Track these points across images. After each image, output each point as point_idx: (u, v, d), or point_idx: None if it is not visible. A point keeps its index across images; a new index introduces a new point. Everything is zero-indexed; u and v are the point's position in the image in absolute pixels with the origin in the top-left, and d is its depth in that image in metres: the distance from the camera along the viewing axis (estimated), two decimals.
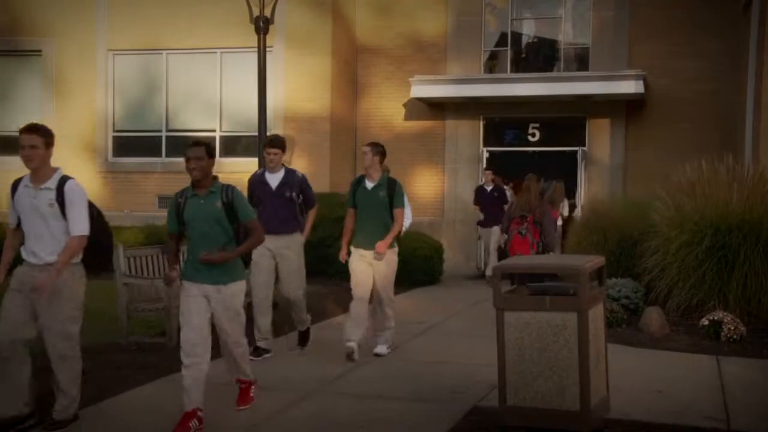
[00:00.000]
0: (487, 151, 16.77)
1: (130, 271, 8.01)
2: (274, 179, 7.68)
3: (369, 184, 7.66)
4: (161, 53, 16.94)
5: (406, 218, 9.39)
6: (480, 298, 12.13)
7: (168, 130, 17.07)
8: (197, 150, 5.56)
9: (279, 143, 7.74)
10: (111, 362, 7.38)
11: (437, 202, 17.23)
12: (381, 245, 7.50)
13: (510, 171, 17.77)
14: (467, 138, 16.83)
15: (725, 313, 8.27)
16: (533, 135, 16.64)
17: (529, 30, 17.02)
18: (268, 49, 16.14)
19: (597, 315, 4.96)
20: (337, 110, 16.50)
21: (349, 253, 7.83)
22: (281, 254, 7.67)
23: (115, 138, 17.31)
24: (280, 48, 16.14)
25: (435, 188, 16.97)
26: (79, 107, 17.18)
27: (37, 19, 17.29)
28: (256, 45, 15.89)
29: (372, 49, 17.23)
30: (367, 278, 7.66)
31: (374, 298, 7.80)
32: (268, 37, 16.02)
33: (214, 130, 16.84)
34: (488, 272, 13.42)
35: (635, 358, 7.67)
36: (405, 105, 17.06)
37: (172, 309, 7.72)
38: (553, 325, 4.78)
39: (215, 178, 5.70)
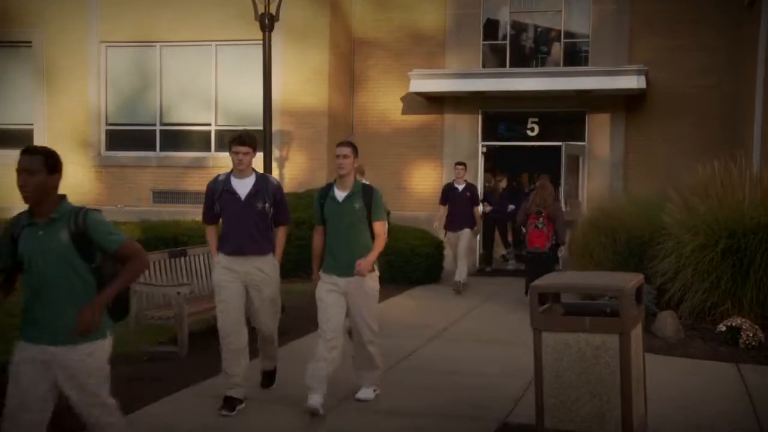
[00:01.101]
0: (484, 145, 16.60)
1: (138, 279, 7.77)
2: (242, 186, 6.21)
3: (339, 194, 6.18)
4: (155, 45, 16.65)
5: None
6: (483, 299, 12.04)
7: (162, 124, 16.80)
8: (29, 160, 3.93)
9: (250, 140, 6.23)
10: (122, 375, 7.13)
11: (435, 197, 16.86)
12: (363, 264, 6.04)
13: (508, 166, 17.71)
14: (466, 132, 16.65)
15: (743, 319, 8.17)
16: (532, 130, 16.48)
17: (528, 23, 16.83)
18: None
19: (637, 335, 4.82)
20: (335, 104, 16.29)
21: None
22: (253, 280, 6.23)
23: (108, 131, 17.03)
24: (278, 41, 15.75)
25: (433, 183, 16.76)
26: (71, 100, 16.89)
27: (27, 8, 16.96)
28: (252, 38, 15.74)
29: (370, 42, 17.00)
30: (339, 312, 6.17)
31: (354, 336, 6.38)
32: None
33: (209, 124, 16.60)
34: (458, 278, 12.42)
35: (653, 366, 7.45)
36: (403, 99, 16.84)
37: (183, 316, 7.53)
38: (593, 347, 4.64)
39: (62, 197, 4.11)
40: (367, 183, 6.55)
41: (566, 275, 5.88)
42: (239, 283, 6.21)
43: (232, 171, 6.27)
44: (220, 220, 6.38)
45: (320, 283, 6.25)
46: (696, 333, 8.61)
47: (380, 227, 6.24)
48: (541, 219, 10.94)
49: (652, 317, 8.84)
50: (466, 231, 12.76)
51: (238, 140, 6.17)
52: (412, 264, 13.36)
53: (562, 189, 15.99)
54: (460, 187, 12.98)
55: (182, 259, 8.67)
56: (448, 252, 13.48)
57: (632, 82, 14.90)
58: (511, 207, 15.45)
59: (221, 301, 6.20)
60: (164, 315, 7.81)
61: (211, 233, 6.42)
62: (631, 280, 4.77)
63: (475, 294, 12.46)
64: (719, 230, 8.80)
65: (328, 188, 6.29)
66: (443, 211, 13.12)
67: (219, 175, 6.33)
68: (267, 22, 9.85)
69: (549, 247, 10.92)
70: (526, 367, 7.46)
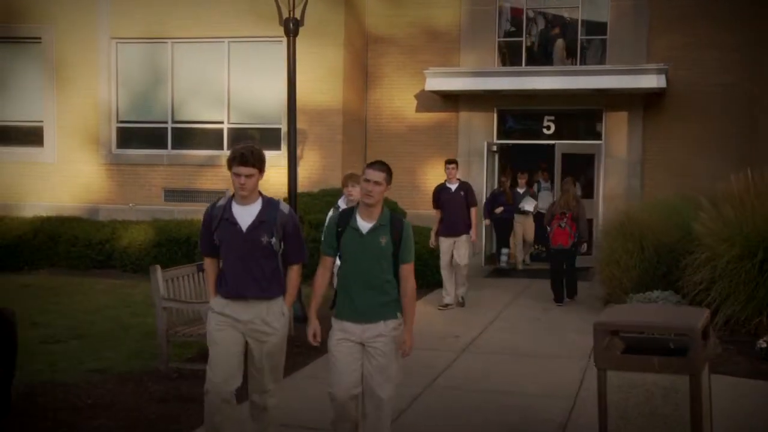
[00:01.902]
0: (495, 144, 16.41)
1: (168, 294, 7.61)
2: (245, 215, 5.09)
3: (364, 225, 5.03)
4: (166, 42, 16.43)
5: None
6: (503, 304, 11.90)
7: (174, 122, 16.60)
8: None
9: (255, 159, 5.03)
10: (153, 394, 7.01)
11: None
12: (409, 342, 5.08)
13: (524, 164, 17.50)
14: (481, 130, 16.48)
15: None
16: (548, 128, 16.31)
17: (544, 20, 16.62)
18: (277, 39, 15.77)
19: (706, 374, 4.67)
20: (349, 102, 16.09)
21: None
22: (253, 331, 5.10)
23: (119, 129, 16.83)
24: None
25: None
26: (82, 97, 16.68)
27: (36, 4, 16.75)
28: (265, 35, 15.70)
29: (383, 39, 16.79)
30: (354, 370, 5.03)
31: (365, 398, 5.06)
32: (278, 27, 15.66)
33: (221, 122, 16.40)
34: (459, 292, 11.46)
35: None
36: (417, 96, 16.66)
37: None
38: (661, 388, 4.48)
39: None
40: (396, 213, 5.36)
41: (628, 310, 5.71)
42: (237, 332, 5.09)
43: (233, 195, 5.16)
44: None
45: (332, 333, 5.09)
46: (732, 348, 8.46)
47: (409, 271, 5.08)
48: (565, 219, 11.75)
49: None
50: (463, 237, 11.31)
51: (240, 159, 4.98)
52: (430, 266, 13.17)
53: (556, 191, 15.88)
54: (453, 186, 11.49)
55: None
56: (444, 264, 11.49)
57: (652, 81, 14.72)
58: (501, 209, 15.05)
59: (213, 342, 5.12)
60: (194, 332, 7.62)
61: (210, 268, 5.27)
62: (699, 317, 4.61)
63: (494, 299, 12.32)
64: (757, 241, 8.63)
65: (349, 215, 5.12)
66: (437, 217, 11.62)
67: (219, 198, 5.29)
68: (292, 27, 9.61)
69: (571, 245, 11.80)
70: (565, 386, 7.36)
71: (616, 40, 15.81)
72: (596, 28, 16.17)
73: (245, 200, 5.10)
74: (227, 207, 5.12)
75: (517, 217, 15.17)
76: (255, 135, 16.13)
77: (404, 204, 15.59)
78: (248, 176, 5.00)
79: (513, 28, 16.58)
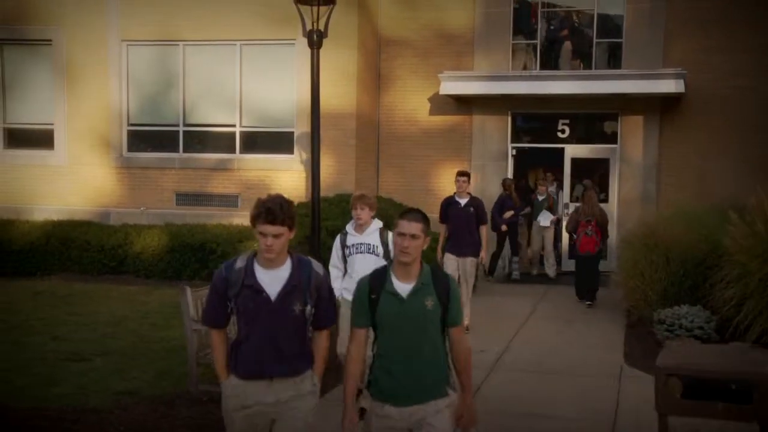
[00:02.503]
0: (514, 147, 16.32)
1: (197, 315, 7.51)
2: (272, 280, 4.18)
3: (402, 287, 4.18)
4: (177, 44, 16.26)
5: None
6: (524, 315, 11.83)
7: (185, 125, 16.45)
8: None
9: (285, 216, 4.11)
10: (186, 420, 6.92)
11: None
12: (470, 415, 4.34)
13: (539, 168, 17.42)
14: (495, 133, 16.37)
15: None
16: (563, 131, 16.20)
17: (559, 23, 16.48)
18: (290, 42, 15.72)
19: None
20: (362, 105, 15.96)
21: (361, 412, 4.25)
22: (280, 413, 4.26)
23: (129, 132, 16.67)
24: (304, 41, 15.35)
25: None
26: (92, 99, 16.53)
27: (47, 6, 16.57)
28: (277, 37, 15.59)
29: (396, 41, 16.65)
30: None
31: None
32: (290, 30, 15.54)
33: (233, 125, 16.25)
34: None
35: None
36: (430, 99, 16.53)
37: None
38: None
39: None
40: (437, 267, 4.71)
41: (688, 351, 5.61)
42: (261, 418, 4.27)
43: (255, 255, 4.23)
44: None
45: (366, 418, 4.24)
46: None
47: (461, 335, 4.31)
48: (590, 227, 12.31)
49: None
50: (471, 259, 10.51)
51: (267, 216, 4.06)
52: None
53: (564, 196, 15.82)
54: (463, 201, 10.61)
55: None
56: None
57: (671, 86, 14.59)
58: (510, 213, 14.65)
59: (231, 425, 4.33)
60: None
61: (219, 343, 4.32)
62: (766, 362, 4.52)
63: (513, 308, 12.25)
64: None
65: (381, 277, 4.24)
66: (444, 233, 10.86)
67: (236, 258, 4.28)
68: (315, 39, 9.47)
69: (597, 251, 12.45)
70: (604, 411, 7.27)
71: (632, 43, 15.68)
72: (612, 31, 16.03)
73: (272, 263, 4.17)
74: (248, 271, 4.17)
75: (535, 227, 15.03)
76: (267, 138, 16.04)
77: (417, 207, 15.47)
78: (276, 236, 4.07)
79: (527, 31, 16.43)
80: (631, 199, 15.73)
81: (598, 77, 15.24)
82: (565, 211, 15.52)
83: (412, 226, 4.14)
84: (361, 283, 4.28)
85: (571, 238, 13.40)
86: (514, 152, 16.30)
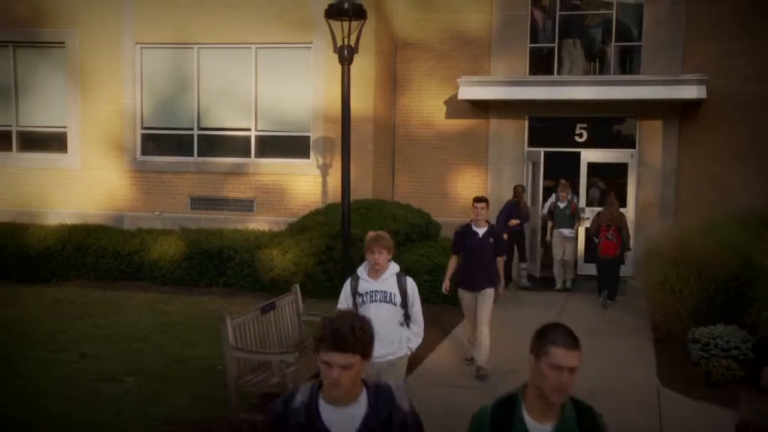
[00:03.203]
0: (534, 152, 16.17)
1: (237, 343, 7.42)
2: (343, 421, 3.15)
3: (540, 430, 3.25)
4: (192, 47, 16.12)
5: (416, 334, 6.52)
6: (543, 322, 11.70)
7: (200, 128, 16.31)
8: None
9: (359, 341, 3.06)
10: None
11: None
12: None
13: (555, 173, 17.28)
14: (512, 138, 16.25)
15: None
16: (581, 135, 16.08)
17: (577, 26, 16.34)
18: (306, 45, 15.58)
19: None
20: (379, 109, 15.83)
21: None
22: None
23: (143, 135, 16.54)
24: (320, 45, 15.36)
25: (477, 189, 16.30)
26: (106, 102, 16.39)
27: (60, 8, 16.41)
28: (293, 41, 15.47)
29: (412, 44, 16.51)
30: None
31: None
32: (306, 33, 15.43)
33: (249, 129, 16.12)
34: (480, 360, 9.35)
35: None
36: (446, 102, 16.41)
37: (288, 385, 7.14)
38: None
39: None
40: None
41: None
42: None
43: (320, 387, 3.20)
44: None
45: None
46: None
47: None
48: (611, 231, 13.12)
49: (757, 369, 8.55)
50: (489, 291, 9.39)
51: (334, 342, 3.04)
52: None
53: (580, 198, 15.71)
54: (481, 231, 9.39)
55: (271, 313, 8.28)
56: (468, 321, 9.89)
57: (692, 92, 14.47)
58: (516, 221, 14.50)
59: None
60: (264, 382, 7.43)
61: None
62: None
63: (537, 316, 12.10)
64: None
65: (507, 409, 3.28)
66: (454, 263, 9.58)
67: (294, 391, 3.26)
68: (346, 54, 9.36)
69: (618, 254, 13.19)
70: None
71: (651, 46, 15.55)
72: (631, 35, 15.90)
73: (341, 400, 3.15)
74: (311, 408, 3.16)
75: (557, 235, 14.86)
76: (283, 142, 15.92)
77: (434, 212, 15.40)
78: (345, 367, 3.04)
79: (545, 35, 16.30)
80: (649, 205, 15.65)
81: (618, 83, 15.12)
82: (582, 215, 15.41)
83: (573, 356, 3.26)
84: (477, 421, 3.23)
85: (592, 242, 14.04)
86: (536, 158, 16.09)
